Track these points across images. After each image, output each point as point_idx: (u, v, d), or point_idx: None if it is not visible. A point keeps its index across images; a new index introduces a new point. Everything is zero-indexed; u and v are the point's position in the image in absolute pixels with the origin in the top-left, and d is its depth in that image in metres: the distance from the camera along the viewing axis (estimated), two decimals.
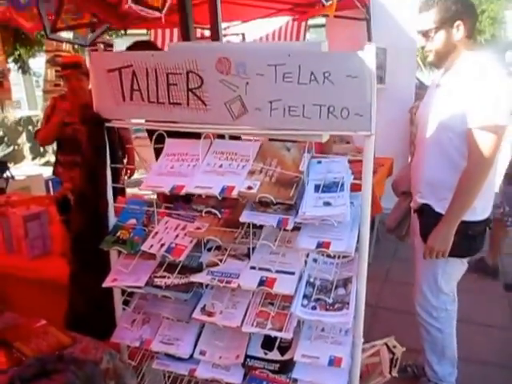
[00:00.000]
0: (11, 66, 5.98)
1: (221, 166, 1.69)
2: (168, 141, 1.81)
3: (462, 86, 2.21)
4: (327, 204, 1.53)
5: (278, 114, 1.53)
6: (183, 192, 1.63)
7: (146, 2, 2.25)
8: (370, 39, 4.79)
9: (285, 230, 1.59)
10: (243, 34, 4.99)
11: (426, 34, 2.30)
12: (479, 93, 2.12)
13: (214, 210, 1.64)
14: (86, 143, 1.76)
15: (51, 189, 5.62)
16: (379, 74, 4.83)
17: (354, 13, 4.59)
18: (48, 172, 5.99)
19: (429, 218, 2.44)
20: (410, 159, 4.44)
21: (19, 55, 5.81)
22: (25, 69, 6.08)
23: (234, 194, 1.57)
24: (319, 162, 1.66)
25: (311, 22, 6.16)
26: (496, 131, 2.11)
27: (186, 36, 1.79)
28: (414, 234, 2.73)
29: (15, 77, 6.54)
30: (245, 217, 1.59)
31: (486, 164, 2.16)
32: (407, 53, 5.26)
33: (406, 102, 5.35)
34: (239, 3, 3.95)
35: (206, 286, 1.77)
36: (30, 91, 10.31)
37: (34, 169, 7.54)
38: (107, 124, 1.76)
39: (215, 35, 2.08)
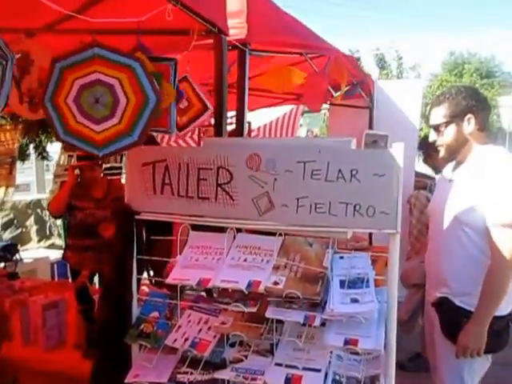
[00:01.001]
0: (32, 151, 6.20)
1: (245, 260, 1.71)
2: (192, 233, 1.84)
3: (477, 181, 2.23)
4: (355, 301, 1.52)
5: (304, 210, 1.57)
6: (210, 285, 1.64)
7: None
8: (371, 127, 4.97)
9: (309, 325, 1.58)
10: (249, 123, 5.21)
11: (437, 129, 2.35)
12: (496, 189, 2.14)
13: (241, 306, 1.63)
14: (115, 235, 1.79)
15: (56, 272, 5.59)
16: None
17: (357, 101, 4.80)
18: (53, 254, 5.99)
19: (449, 312, 2.39)
20: (409, 249, 4.41)
21: (40, 141, 6.04)
22: (44, 155, 6.29)
23: (261, 289, 1.58)
24: (342, 258, 1.68)
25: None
26: None
27: (218, 131, 1.91)
28: (431, 328, 2.65)
29: (27, 160, 6.75)
30: (271, 313, 1.58)
31: (510, 261, 2.15)
32: (408, 141, 5.37)
33: (406, 191, 5.41)
34: (248, 93, 4.17)
35: (228, 381, 1.72)
36: (40, 174, 10.57)
37: (39, 251, 7.53)
38: (137, 216, 1.81)
39: (239, 126, 2.21)
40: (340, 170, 1.52)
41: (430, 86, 20.71)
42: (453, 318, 2.36)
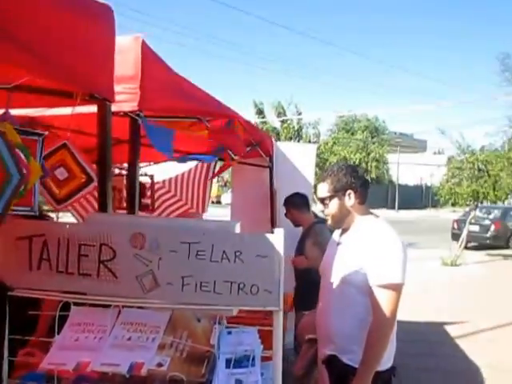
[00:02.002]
0: None
1: (129, 338, 1.65)
2: (73, 309, 1.75)
3: (360, 246, 2.42)
4: (239, 382, 1.52)
5: (189, 289, 1.57)
6: (89, 369, 1.55)
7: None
8: (271, 184, 5.18)
9: None
10: (152, 176, 5.14)
11: (322, 201, 2.57)
12: (376, 254, 2.32)
13: None
14: None
15: None
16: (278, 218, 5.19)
17: (258, 160, 4.98)
18: None
19: (338, 369, 2.48)
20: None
21: None
22: None
23: (143, 371, 1.53)
24: (230, 333, 1.68)
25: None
26: (394, 289, 2.30)
27: (103, 206, 1.83)
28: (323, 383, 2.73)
29: None
30: None
31: (390, 319, 2.31)
32: None
33: None
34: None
35: None
36: None
37: None
38: (10, 293, 1.68)
39: (132, 177, 2.16)
40: (224, 252, 1.54)
41: (326, 142, 22.10)
42: (341, 376, 2.44)
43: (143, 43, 2.02)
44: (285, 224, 4.78)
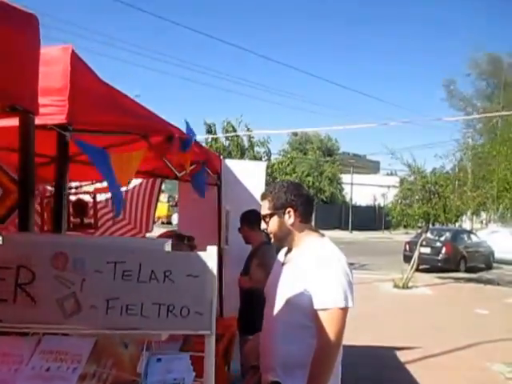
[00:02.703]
0: None
1: (48, 369, 1.51)
2: None
3: (304, 267, 2.34)
4: None
5: (114, 312, 1.46)
6: None
7: None
8: (219, 202, 5.11)
9: None
10: (94, 194, 4.95)
11: (263, 219, 2.51)
12: (320, 276, 2.26)
13: None
14: None
15: None
16: (225, 235, 5.09)
17: (207, 177, 4.89)
18: None
19: None
20: None
21: None
22: None
23: None
24: (159, 360, 1.57)
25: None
26: (339, 313, 2.24)
27: (23, 226, 1.68)
28: None
29: None
30: None
31: (334, 344, 2.24)
32: None
33: None
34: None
35: None
36: None
37: None
38: None
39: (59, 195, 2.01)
40: (153, 271, 1.45)
41: (281, 162, 22.30)
42: None
43: (73, 54, 1.91)
44: (237, 242, 4.73)
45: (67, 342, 1.61)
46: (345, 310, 2.27)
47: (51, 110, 1.87)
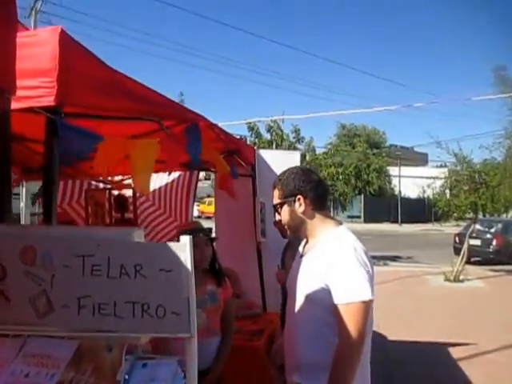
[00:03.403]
0: None
1: (27, 374, 1.39)
2: None
3: (321, 260, 2.15)
4: None
5: (86, 312, 1.32)
6: None
7: None
8: (255, 194, 4.92)
9: None
10: (134, 188, 4.93)
11: (275, 209, 2.32)
12: (338, 268, 2.06)
13: None
14: None
15: None
16: (262, 228, 4.88)
17: (239, 169, 4.70)
18: None
19: None
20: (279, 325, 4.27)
21: None
22: None
23: None
24: (144, 366, 1.42)
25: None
26: (361, 306, 2.02)
27: None
28: None
29: None
30: None
31: (356, 341, 2.03)
32: None
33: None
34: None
35: None
36: None
37: None
38: None
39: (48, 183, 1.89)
40: (123, 266, 1.29)
41: (326, 152, 21.83)
42: None
43: (63, 34, 1.79)
44: (275, 235, 4.54)
45: (50, 344, 1.49)
46: (366, 303, 2.05)
47: (40, 92, 1.77)
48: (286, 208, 2.26)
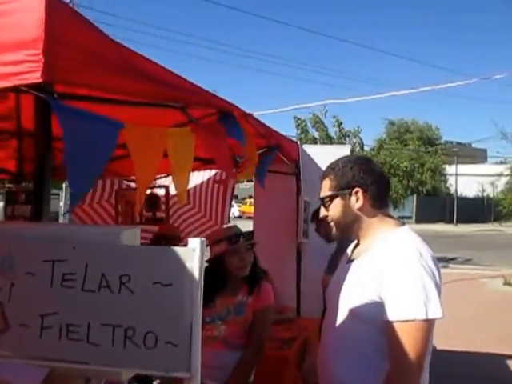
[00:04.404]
0: None
1: None
2: None
3: (375, 267, 1.74)
4: None
5: (51, 334, 0.97)
6: None
7: None
8: (298, 192, 4.52)
9: None
10: (166, 187, 4.64)
11: (323, 203, 1.93)
12: (395, 279, 1.65)
13: None
14: None
15: None
16: (304, 229, 4.48)
17: (282, 167, 4.35)
18: None
19: None
20: None
21: None
22: None
23: None
24: None
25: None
26: (422, 326, 1.61)
27: None
28: None
29: None
30: None
31: (413, 367, 1.62)
32: None
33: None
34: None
35: None
36: None
37: None
38: None
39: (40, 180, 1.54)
40: (104, 276, 0.94)
41: (372, 148, 21.06)
42: None
43: (51, 0, 1.46)
44: (318, 236, 4.13)
45: (17, 369, 1.17)
46: (428, 322, 1.63)
47: (25, 67, 1.43)
48: (338, 202, 1.87)
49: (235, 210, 28.73)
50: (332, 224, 1.93)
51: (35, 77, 1.41)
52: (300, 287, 4.38)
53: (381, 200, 1.86)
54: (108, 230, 0.98)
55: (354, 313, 1.80)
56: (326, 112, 17.41)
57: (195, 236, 4.01)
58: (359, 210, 1.83)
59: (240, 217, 26.47)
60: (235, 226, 2.87)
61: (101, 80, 1.66)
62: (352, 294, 1.84)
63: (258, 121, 3.13)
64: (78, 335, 0.95)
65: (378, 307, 1.70)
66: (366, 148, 18.76)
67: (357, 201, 1.82)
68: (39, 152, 1.51)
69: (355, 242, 2.03)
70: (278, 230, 4.43)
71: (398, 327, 1.64)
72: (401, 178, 20.89)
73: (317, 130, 17.33)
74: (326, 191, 1.89)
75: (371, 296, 1.73)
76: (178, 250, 0.90)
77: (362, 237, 1.90)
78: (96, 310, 0.94)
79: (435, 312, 1.64)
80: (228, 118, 2.46)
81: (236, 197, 30.76)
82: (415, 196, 32.84)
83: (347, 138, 17.37)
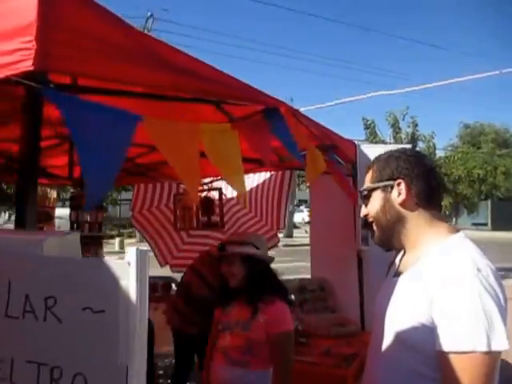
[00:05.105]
0: None
1: None
2: None
3: (425, 284, 1.41)
4: None
5: None
6: None
7: None
8: (356, 195, 4.15)
9: None
10: (220, 189, 4.47)
11: (362, 197, 1.62)
12: (451, 301, 1.32)
13: None
14: None
15: None
16: (364, 235, 4.04)
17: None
18: None
19: None
20: None
21: None
22: None
23: None
24: None
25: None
26: (484, 359, 1.27)
27: None
28: None
29: None
30: None
31: None
32: None
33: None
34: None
35: None
36: None
37: None
38: None
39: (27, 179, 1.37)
40: (28, 298, 0.74)
41: (450, 156, 19.71)
42: None
43: None
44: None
45: None
46: (491, 355, 1.28)
47: (18, 56, 1.29)
48: (378, 195, 1.54)
49: (305, 215, 28.21)
50: (371, 221, 1.63)
51: (27, 65, 1.26)
52: (363, 298, 4.03)
53: (429, 198, 1.52)
54: (31, 238, 0.77)
55: (399, 339, 1.48)
56: (405, 114, 16.60)
57: None
58: (401, 205, 1.49)
59: (309, 222, 26.07)
60: (249, 235, 2.68)
61: (111, 69, 1.46)
62: (397, 317, 1.51)
63: (310, 119, 2.84)
64: (2, 373, 0.75)
65: (427, 333, 1.37)
66: (438, 154, 17.75)
67: (399, 195, 1.49)
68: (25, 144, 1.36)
69: (402, 252, 1.71)
70: (337, 236, 4.09)
71: (452, 360, 1.31)
72: (471, 183, 19.55)
73: (395, 132, 16.51)
74: (366, 184, 1.60)
75: (420, 319, 1.40)
76: (111, 263, 0.68)
77: (406, 243, 1.56)
78: (20, 341, 0.73)
79: (500, 342, 1.28)
80: (273, 114, 2.19)
81: (306, 201, 30.14)
82: (489, 201, 30.75)
83: (419, 142, 16.49)
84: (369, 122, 16.44)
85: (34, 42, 1.22)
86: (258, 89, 2.14)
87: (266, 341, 2.03)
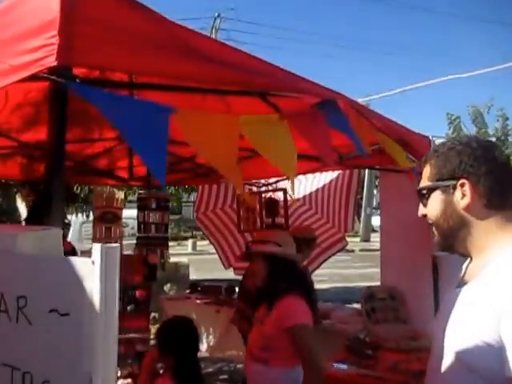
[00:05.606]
0: None
1: None
2: None
3: (493, 300, 1.22)
4: None
5: None
6: None
7: None
8: None
9: None
10: (285, 190, 4.36)
11: (420, 196, 1.44)
12: None
13: None
14: None
15: None
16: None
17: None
18: None
19: None
20: None
21: None
22: None
23: None
24: None
25: None
26: None
27: None
28: None
29: None
30: None
31: None
32: None
33: None
34: None
35: None
36: None
37: None
38: None
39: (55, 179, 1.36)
40: (3, 297, 0.71)
41: None
42: None
43: None
44: None
45: None
46: None
47: (43, 52, 1.30)
48: (437, 196, 1.35)
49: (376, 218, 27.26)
50: (431, 224, 1.45)
51: (50, 61, 1.27)
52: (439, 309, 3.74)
53: (500, 199, 1.30)
54: (4, 233, 0.74)
55: (461, 360, 1.29)
56: (490, 106, 15.21)
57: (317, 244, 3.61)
58: (466, 209, 1.29)
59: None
60: (274, 233, 2.56)
61: (143, 63, 1.44)
62: (459, 334, 1.33)
63: (372, 111, 2.65)
64: None
65: (493, 356, 1.19)
66: None
67: (462, 197, 1.28)
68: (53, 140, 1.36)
69: (467, 260, 1.51)
70: (409, 240, 3.81)
71: None
72: None
73: (476, 127, 15.19)
74: (423, 182, 1.41)
75: (486, 338, 1.22)
76: (75, 262, 0.63)
77: (472, 250, 1.36)
78: None
79: None
80: (329, 105, 2.05)
81: None
82: None
83: (510, 138, 14.96)
84: (453, 117, 15.26)
85: (58, 37, 1.21)
86: (312, 80, 2.01)
87: (279, 336, 2.01)
